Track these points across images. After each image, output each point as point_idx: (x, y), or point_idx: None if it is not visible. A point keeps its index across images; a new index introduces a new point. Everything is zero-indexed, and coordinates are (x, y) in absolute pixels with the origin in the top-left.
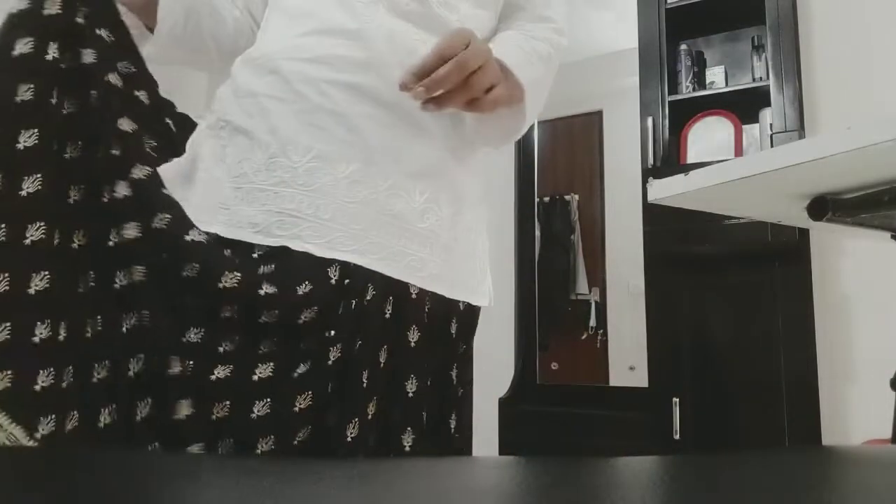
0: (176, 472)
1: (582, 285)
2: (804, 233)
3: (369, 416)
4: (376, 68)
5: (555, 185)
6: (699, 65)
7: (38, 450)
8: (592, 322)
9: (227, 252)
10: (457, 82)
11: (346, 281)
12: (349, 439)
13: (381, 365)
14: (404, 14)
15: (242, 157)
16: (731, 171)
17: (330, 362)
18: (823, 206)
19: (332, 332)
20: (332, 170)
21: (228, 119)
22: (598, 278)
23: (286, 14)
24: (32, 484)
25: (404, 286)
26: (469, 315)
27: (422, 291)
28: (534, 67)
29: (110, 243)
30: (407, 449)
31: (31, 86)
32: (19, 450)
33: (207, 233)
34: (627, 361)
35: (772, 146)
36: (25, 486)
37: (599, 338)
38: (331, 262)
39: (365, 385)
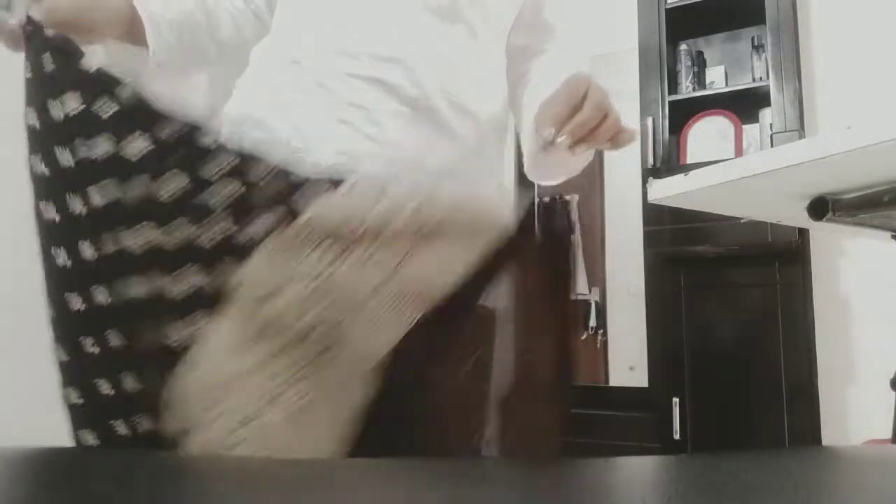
0: (198, 474)
1: (582, 285)
2: (804, 233)
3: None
4: (402, 64)
5: (555, 185)
6: (699, 65)
7: (38, 449)
8: (592, 322)
9: None
10: (596, 123)
11: None
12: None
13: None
14: (432, 8)
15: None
16: (731, 171)
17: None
18: (823, 206)
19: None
20: (355, 168)
21: (248, 112)
22: (598, 278)
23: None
24: (29, 483)
25: None
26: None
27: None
28: None
29: None
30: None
31: None
32: (20, 450)
33: None
34: (627, 361)
35: (772, 146)
36: (23, 486)
37: (599, 338)
38: None
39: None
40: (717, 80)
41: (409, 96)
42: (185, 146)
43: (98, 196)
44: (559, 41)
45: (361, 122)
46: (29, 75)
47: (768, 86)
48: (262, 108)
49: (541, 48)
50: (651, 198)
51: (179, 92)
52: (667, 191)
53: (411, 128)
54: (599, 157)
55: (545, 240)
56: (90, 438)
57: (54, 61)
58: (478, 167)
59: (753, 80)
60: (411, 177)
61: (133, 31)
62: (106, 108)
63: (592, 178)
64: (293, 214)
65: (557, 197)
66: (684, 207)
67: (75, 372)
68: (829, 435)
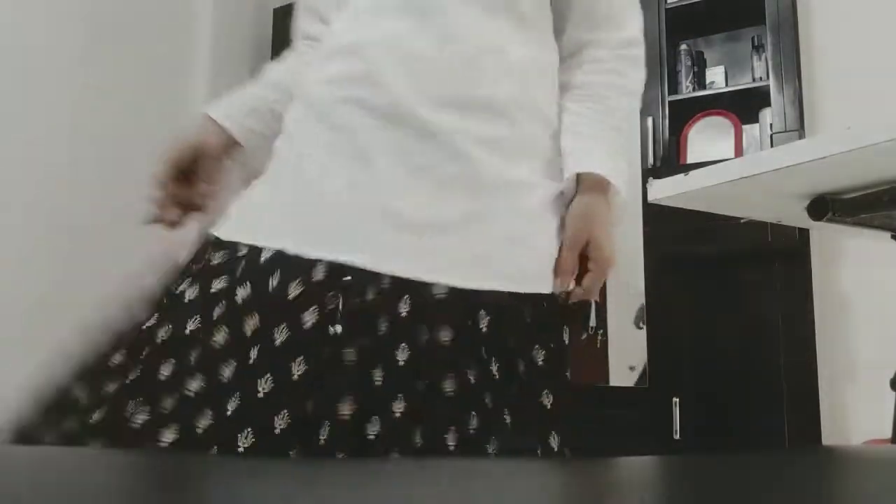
0: (195, 473)
1: None
2: (804, 233)
3: (397, 415)
4: (374, 79)
5: None
6: (699, 65)
7: (48, 449)
8: (592, 322)
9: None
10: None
11: (346, 279)
12: (371, 437)
13: (403, 363)
14: (407, 10)
15: (274, 179)
16: (731, 171)
17: (346, 362)
18: (823, 206)
19: (339, 330)
20: (334, 178)
21: (274, 152)
22: None
23: (323, 37)
24: (40, 483)
25: (422, 284)
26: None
27: (451, 288)
28: (619, 155)
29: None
30: (452, 449)
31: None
32: (32, 450)
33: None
34: (627, 361)
35: (772, 146)
36: (34, 486)
37: (599, 338)
38: (317, 261)
39: (380, 383)
40: (717, 80)
41: (378, 108)
42: None
43: None
44: (606, 38)
45: (340, 139)
46: None
47: (768, 86)
48: (279, 146)
49: (585, 40)
50: (651, 198)
51: None
52: (667, 191)
53: (387, 135)
54: None
55: None
56: None
57: None
58: (518, 160)
59: (753, 80)
60: (390, 177)
61: (231, 146)
62: None
63: None
64: None
65: None
66: (684, 207)
67: None
68: (829, 435)
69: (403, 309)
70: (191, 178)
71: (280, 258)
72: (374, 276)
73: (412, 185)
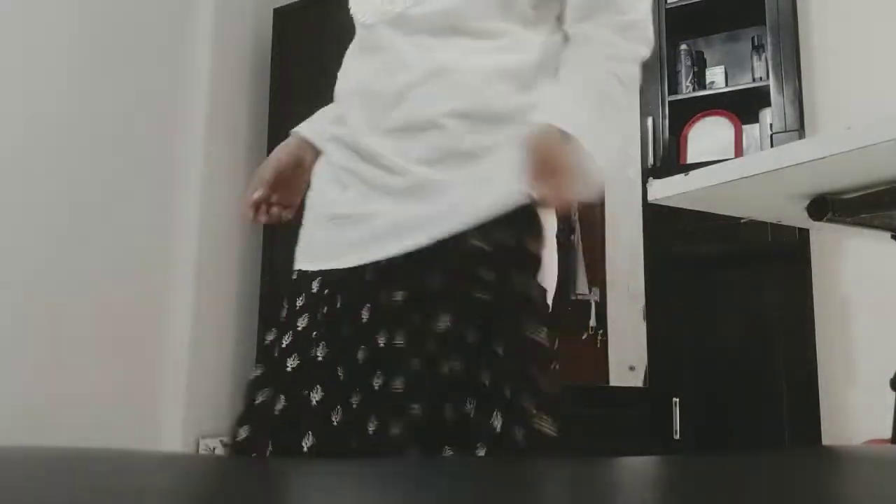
0: (183, 472)
1: (582, 285)
2: (804, 233)
3: (354, 406)
4: (343, 119)
5: None
6: (699, 65)
7: (74, 450)
8: (592, 322)
9: None
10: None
11: (325, 291)
12: (335, 423)
13: (360, 362)
14: (365, 52)
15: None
16: (731, 171)
17: (319, 359)
18: (823, 206)
19: (315, 333)
20: (324, 202)
21: None
22: (597, 278)
23: None
24: (57, 483)
25: (387, 290)
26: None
27: (407, 293)
28: (598, 114)
29: None
30: (396, 436)
31: None
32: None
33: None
34: (627, 361)
35: (772, 146)
36: (52, 486)
37: (599, 338)
38: (315, 274)
39: (342, 378)
40: (717, 80)
41: (347, 144)
42: None
43: None
44: (606, 20)
45: (331, 174)
46: None
47: (768, 86)
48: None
49: (587, 25)
50: (651, 198)
51: None
52: (667, 191)
53: (353, 166)
54: None
55: None
56: None
57: None
58: (470, 169)
59: (753, 80)
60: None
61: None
62: None
63: None
64: None
65: None
66: (684, 207)
67: None
68: (829, 435)
69: (364, 316)
70: (285, 186)
71: (300, 277)
72: (345, 275)
73: (378, 199)
